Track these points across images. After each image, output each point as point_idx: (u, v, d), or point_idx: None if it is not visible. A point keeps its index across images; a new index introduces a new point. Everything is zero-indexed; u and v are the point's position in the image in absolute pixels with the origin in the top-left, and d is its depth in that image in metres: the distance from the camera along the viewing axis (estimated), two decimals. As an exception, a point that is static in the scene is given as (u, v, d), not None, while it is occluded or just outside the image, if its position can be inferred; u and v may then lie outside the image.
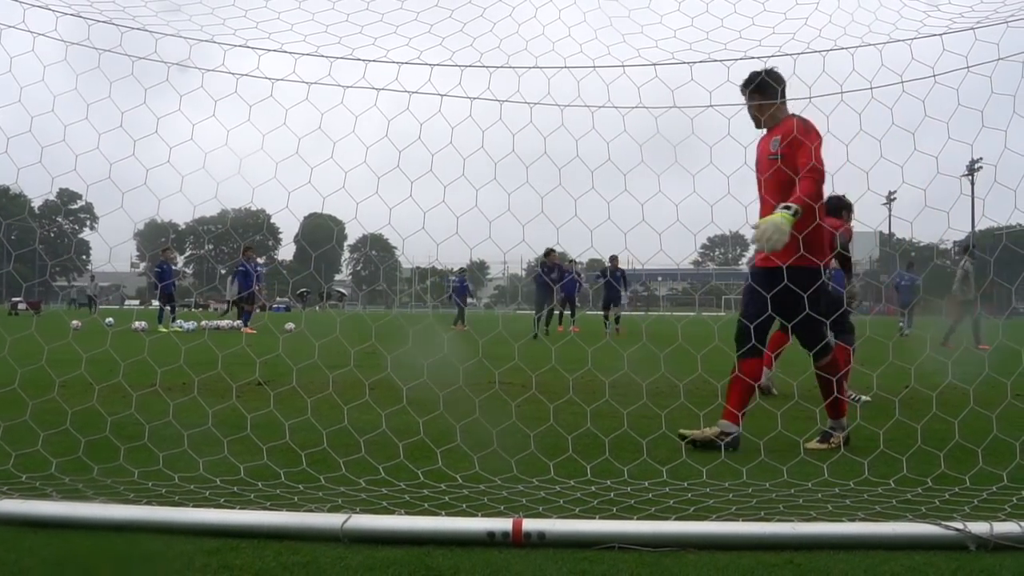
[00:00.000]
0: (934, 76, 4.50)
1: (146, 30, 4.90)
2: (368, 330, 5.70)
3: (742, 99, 5.18)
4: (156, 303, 21.67)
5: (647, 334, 6.71)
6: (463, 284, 26.46)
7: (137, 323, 19.89)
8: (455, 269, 27.10)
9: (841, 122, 4.58)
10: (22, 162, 4.59)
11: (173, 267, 20.03)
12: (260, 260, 21.58)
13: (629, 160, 4.67)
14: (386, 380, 7.16)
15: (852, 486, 3.87)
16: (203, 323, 22.85)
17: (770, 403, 5.47)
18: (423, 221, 4.76)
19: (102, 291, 24.57)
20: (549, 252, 19.96)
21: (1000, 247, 4.98)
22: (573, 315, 23.08)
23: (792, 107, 5.15)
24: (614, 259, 20.75)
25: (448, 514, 3.31)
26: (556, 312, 22.70)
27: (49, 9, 4.85)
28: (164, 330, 18.73)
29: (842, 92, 4.57)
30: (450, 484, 3.87)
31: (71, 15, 4.86)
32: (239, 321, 21.39)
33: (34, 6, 4.81)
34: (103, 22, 4.87)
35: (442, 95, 4.91)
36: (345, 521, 3.08)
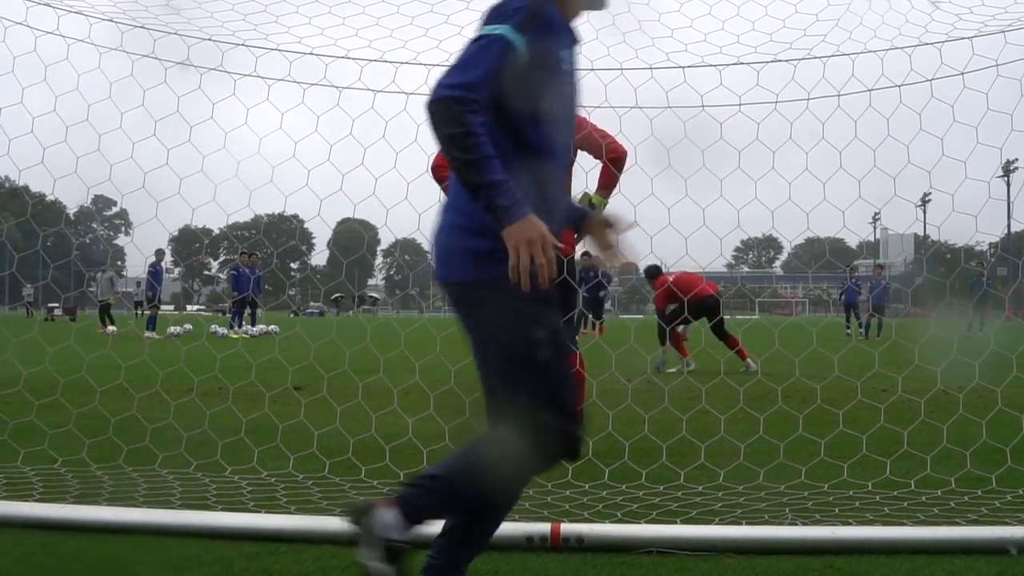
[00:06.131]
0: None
1: (178, 35, 4.95)
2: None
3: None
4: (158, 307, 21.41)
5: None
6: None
7: (173, 328, 19.99)
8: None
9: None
10: (58, 168, 4.65)
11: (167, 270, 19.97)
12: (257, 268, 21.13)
13: (657, 164, 4.64)
14: (417, 387, 7.15)
15: (899, 494, 3.83)
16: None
17: (794, 407, 5.39)
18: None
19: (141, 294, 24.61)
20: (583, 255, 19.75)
21: None
22: (599, 318, 22.75)
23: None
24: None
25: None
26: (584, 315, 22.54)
27: (82, 14, 4.91)
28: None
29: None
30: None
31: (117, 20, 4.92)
32: (258, 326, 21.14)
33: (70, 12, 4.88)
34: (139, 27, 4.93)
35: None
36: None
